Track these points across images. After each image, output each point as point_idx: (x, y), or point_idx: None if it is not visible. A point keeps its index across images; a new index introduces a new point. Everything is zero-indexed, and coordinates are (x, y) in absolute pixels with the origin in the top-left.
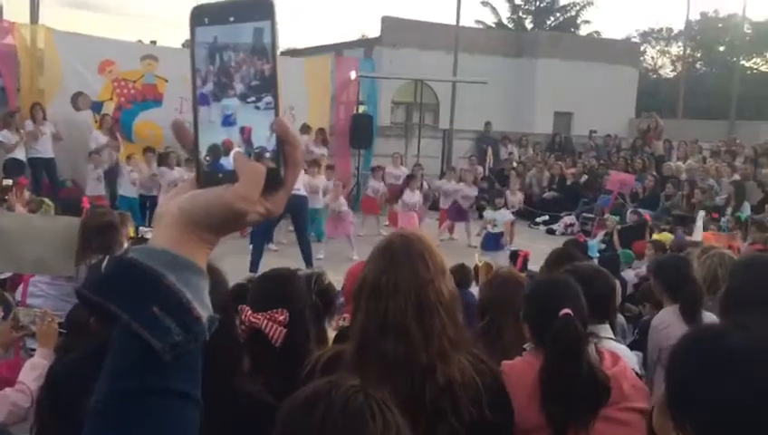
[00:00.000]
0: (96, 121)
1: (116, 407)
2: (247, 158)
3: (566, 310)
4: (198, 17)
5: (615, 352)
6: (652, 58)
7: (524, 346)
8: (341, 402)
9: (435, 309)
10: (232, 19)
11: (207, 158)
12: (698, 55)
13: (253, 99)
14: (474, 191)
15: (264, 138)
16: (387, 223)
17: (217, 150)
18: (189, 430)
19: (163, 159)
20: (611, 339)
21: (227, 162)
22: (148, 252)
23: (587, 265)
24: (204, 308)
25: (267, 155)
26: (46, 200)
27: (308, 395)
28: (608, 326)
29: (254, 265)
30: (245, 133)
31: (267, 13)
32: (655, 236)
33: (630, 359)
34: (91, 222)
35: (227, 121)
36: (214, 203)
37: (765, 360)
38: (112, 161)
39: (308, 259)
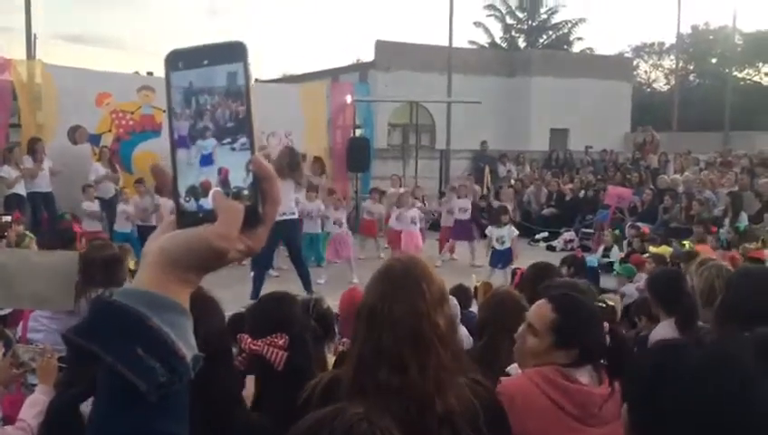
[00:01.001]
0: (95, 154)
1: None
2: (225, 197)
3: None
4: (173, 62)
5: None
6: (645, 72)
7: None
8: (344, 430)
9: (430, 342)
10: (206, 62)
11: (187, 198)
12: (691, 68)
13: (228, 140)
14: (467, 202)
15: (240, 178)
16: (387, 245)
17: (196, 191)
18: None
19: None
20: None
21: (206, 202)
22: (131, 293)
23: (566, 282)
24: (188, 347)
25: (245, 193)
26: (28, 234)
27: (311, 423)
28: None
29: (255, 294)
30: (222, 174)
31: (240, 55)
32: (653, 250)
33: None
34: (93, 255)
35: (205, 163)
36: (194, 241)
37: (708, 376)
38: (110, 193)
39: (307, 284)
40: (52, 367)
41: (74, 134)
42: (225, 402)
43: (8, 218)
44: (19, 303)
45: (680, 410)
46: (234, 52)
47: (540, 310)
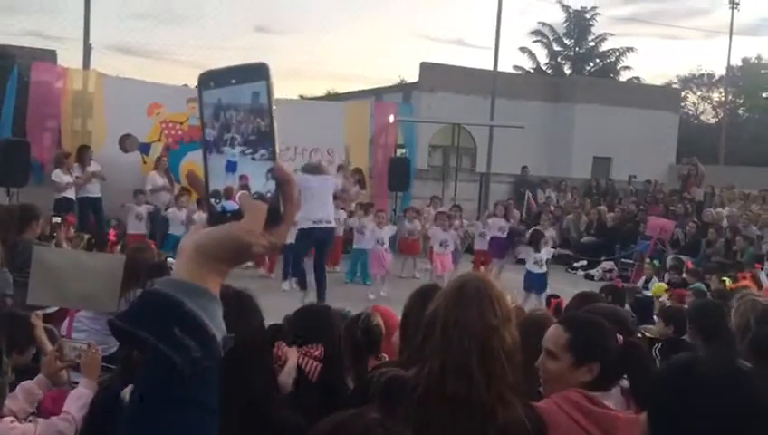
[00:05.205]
0: (145, 163)
1: (144, 413)
2: (251, 197)
3: None
4: (205, 82)
5: None
6: (693, 104)
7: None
8: (359, 434)
9: (497, 355)
10: (234, 81)
11: (216, 200)
12: (740, 101)
13: (250, 151)
14: (506, 223)
15: (260, 184)
16: (427, 267)
17: (222, 195)
18: (208, 433)
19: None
20: None
21: (229, 205)
22: (170, 283)
23: (607, 307)
24: (218, 329)
25: (268, 195)
26: (87, 236)
27: (330, 426)
28: None
29: (321, 296)
30: (244, 180)
31: (263, 75)
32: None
33: None
34: (132, 258)
35: (229, 170)
36: (223, 236)
37: (726, 386)
38: (165, 203)
39: (321, 294)
40: (95, 362)
41: (125, 142)
42: (262, 397)
43: (58, 220)
44: (67, 302)
45: (703, 419)
46: (258, 72)
47: (553, 333)
